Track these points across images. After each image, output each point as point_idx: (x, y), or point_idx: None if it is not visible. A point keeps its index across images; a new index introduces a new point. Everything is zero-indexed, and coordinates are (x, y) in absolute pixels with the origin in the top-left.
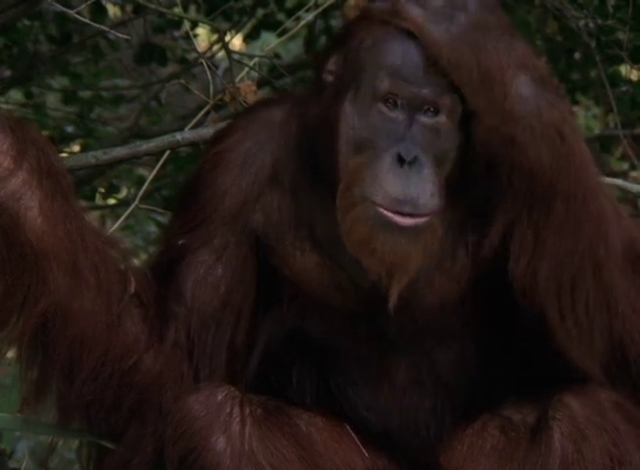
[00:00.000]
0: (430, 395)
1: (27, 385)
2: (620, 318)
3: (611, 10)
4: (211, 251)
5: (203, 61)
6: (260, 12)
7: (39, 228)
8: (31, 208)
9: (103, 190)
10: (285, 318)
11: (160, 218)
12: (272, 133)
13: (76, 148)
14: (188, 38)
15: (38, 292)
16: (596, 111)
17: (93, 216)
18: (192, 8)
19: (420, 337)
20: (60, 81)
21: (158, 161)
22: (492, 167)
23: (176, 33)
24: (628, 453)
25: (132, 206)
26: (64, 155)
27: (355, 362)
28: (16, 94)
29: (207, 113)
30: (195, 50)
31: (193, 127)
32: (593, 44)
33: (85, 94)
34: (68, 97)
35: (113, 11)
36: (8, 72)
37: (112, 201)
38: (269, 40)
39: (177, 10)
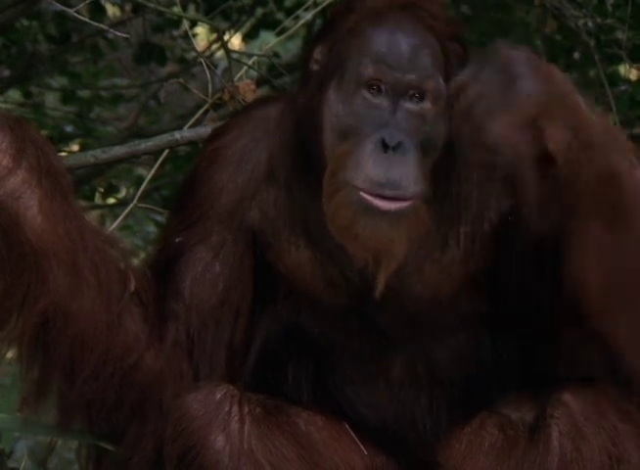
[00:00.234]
0: (426, 391)
1: (28, 385)
2: None
3: (610, 9)
4: (209, 248)
5: (202, 60)
6: (259, 11)
7: (39, 227)
8: (31, 207)
9: (102, 189)
10: (280, 315)
11: (158, 218)
12: (268, 130)
13: (75, 147)
14: (187, 37)
15: (38, 291)
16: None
17: (92, 216)
18: (191, 7)
19: (415, 333)
20: (59, 81)
21: (156, 160)
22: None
23: (175, 33)
24: (627, 452)
25: (131, 205)
26: (63, 154)
27: (351, 359)
28: (15, 93)
29: (206, 112)
30: (194, 49)
31: (192, 126)
32: (592, 43)
33: (84, 93)
34: (67, 96)
35: (112, 10)
36: (7, 72)
37: (111, 200)
38: (268, 39)
39: (176, 9)
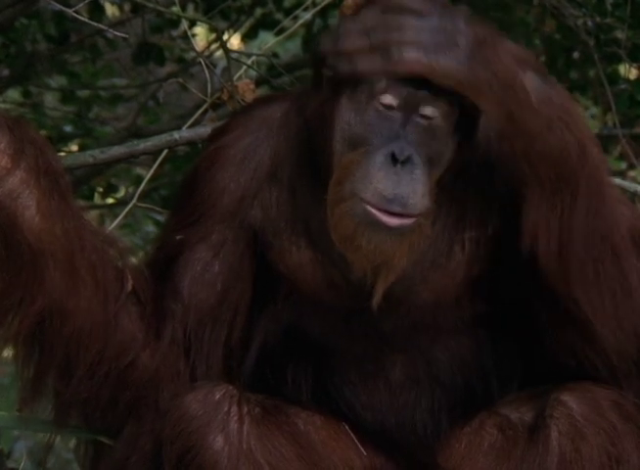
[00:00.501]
0: (426, 393)
1: (24, 383)
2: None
3: (609, 8)
4: (209, 247)
5: (201, 60)
6: (258, 11)
7: (37, 227)
8: (29, 206)
9: (101, 189)
10: (280, 315)
11: (158, 217)
12: (271, 130)
13: (74, 147)
14: (186, 37)
15: (35, 290)
16: (594, 110)
17: (91, 216)
18: (190, 7)
19: (416, 335)
20: (58, 81)
21: (155, 160)
22: (504, 163)
23: (174, 33)
24: (626, 452)
25: (130, 204)
26: (62, 154)
27: (351, 360)
28: (13, 93)
29: (205, 111)
30: (193, 49)
31: (191, 126)
32: (592, 43)
33: (83, 93)
34: (66, 96)
35: (111, 10)
36: (6, 72)
37: (110, 200)
38: (267, 39)
39: (175, 9)
